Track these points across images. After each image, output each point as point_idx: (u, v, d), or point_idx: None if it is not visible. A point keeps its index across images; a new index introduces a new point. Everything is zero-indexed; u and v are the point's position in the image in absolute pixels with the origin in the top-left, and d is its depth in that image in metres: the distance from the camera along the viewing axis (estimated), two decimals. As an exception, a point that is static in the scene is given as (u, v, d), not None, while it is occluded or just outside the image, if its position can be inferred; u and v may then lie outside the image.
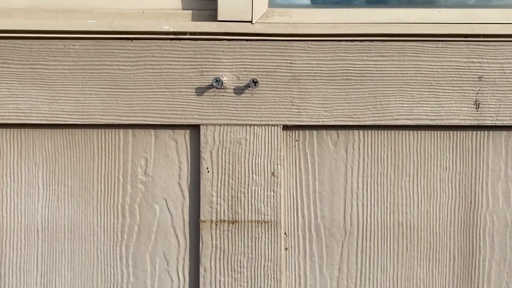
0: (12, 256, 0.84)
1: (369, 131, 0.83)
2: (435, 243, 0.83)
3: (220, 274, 0.82)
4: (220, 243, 0.82)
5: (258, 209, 0.82)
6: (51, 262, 0.84)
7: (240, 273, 0.82)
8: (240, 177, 0.82)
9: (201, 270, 0.82)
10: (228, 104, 0.81)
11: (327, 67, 0.80)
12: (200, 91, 0.81)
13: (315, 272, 0.83)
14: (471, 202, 0.83)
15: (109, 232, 0.84)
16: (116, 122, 0.81)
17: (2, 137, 0.83)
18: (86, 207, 0.83)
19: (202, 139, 0.82)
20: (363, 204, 0.83)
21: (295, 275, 0.83)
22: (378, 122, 0.81)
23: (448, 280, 0.83)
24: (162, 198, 0.83)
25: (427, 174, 0.83)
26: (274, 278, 0.82)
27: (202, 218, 0.82)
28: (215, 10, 0.80)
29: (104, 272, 0.84)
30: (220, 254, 0.82)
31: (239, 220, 0.82)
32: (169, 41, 0.80)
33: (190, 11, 0.83)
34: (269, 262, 0.82)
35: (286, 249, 0.83)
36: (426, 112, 0.81)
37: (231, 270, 0.82)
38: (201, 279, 0.81)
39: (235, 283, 0.82)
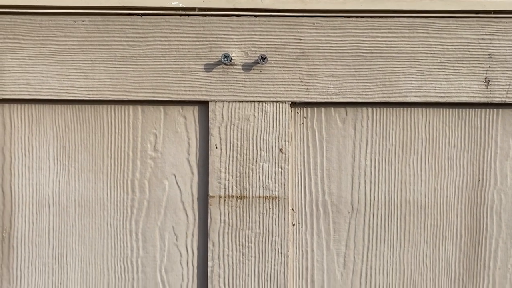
0: (24, 230, 0.85)
1: (378, 109, 0.83)
2: (442, 220, 0.84)
3: (228, 248, 0.83)
4: (229, 218, 0.83)
5: (266, 185, 0.82)
6: (62, 236, 0.85)
7: (248, 247, 0.83)
8: (248, 153, 0.82)
9: (210, 245, 0.83)
10: (236, 80, 0.81)
11: (336, 43, 0.80)
12: (209, 67, 0.81)
13: (322, 248, 0.84)
14: (479, 180, 0.83)
15: (119, 207, 0.85)
16: (125, 98, 0.82)
17: (13, 113, 0.84)
18: (96, 182, 0.85)
19: (211, 115, 0.82)
20: (370, 182, 0.84)
21: (302, 250, 0.84)
22: (387, 99, 0.81)
23: (455, 257, 0.84)
24: (171, 173, 0.84)
25: (435, 152, 0.83)
26: (281, 253, 0.83)
27: (210, 193, 0.83)
28: (224, -15, 0.80)
29: (114, 246, 0.85)
30: (228, 229, 0.83)
31: (247, 195, 0.83)
32: (178, 17, 0.80)
33: (199, -13, 0.83)
34: (277, 237, 0.82)
35: (293, 225, 0.84)
36: (435, 89, 0.80)
37: (239, 245, 0.83)
38: (209, 254, 0.83)
39: (243, 257, 0.83)
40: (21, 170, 0.85)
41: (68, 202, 0.85)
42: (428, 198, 0.83)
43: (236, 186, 0.83)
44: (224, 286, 0.83)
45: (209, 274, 0.83)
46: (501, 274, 0.84)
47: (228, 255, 0.83)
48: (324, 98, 0.81)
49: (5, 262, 0.85)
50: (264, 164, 0.82)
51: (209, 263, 0.83)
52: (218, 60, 0.80)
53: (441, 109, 0.83)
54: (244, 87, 0.81)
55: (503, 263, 0.84)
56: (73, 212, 0.85)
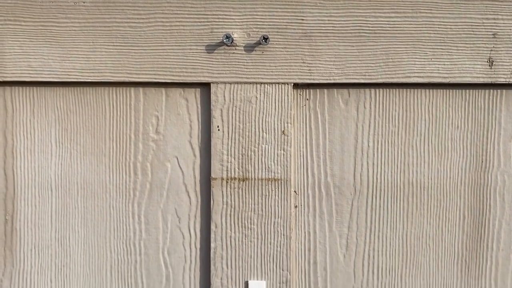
0: (27, 212, 0.85)
1: (381, 90, 0.82)
2: (445, 202, 0.84)
3: (230, 230, 0.83)
4: (231, 200, 0.82)
5: (268, 167, 0.82)
6: (64, 218, 0.85)
7: (251, 229, 0.83)
8: (250, 135, 0.82)
9: (212, 227, 0.83)
10: (238, 61, 0.80)
11: (339, 23, 0.79)
12: (211, 48, 0.80)
13: (325, 229, 0.84)
14: (482, 161, 0.83)
15: (121, 190, 0.85)
16: (127, 80, 0.81)
17: (15, 96, 0.84)
18: (98, 164, 0.85)
19: (213, 97, 0.82)
20: (373, 163, 0.83)
21: (305, 232, 0.84)
22: (390, 80, 0.80)
23: (457, 238, 0.84)
24: (173, 156, 0.84)
25: (438, 133, 0.83)
26: (284, 235, 0.83)
27: (213, 175, 0.82)
28: (226, -35, 0.79)
29: (116, 228, 0.85)
30: (230, 211, 0.83)
31: (250, 177, 0.82)
32: (179, -3, 0.80)
33: (200, -32, 0.82)
34: (279, 219, 0.82)
35: (295, 207, 0.84)
36: (438, 70, 0.80)
37: (242, 227, 0.83)
38: (212, 235, 0.83)
39: (245, 239, 0.83)
40: (23, 153, 0.85)
41: (70, 184, 0.85)
42: (431, 179, 0.83)
43: (239, 168, 0.83)
44: (227, 267, 0.83)
45: (211, 255, 0.83)
46: (504, 255, 0.84)
47: (230, 237, 0.83)
48: (327, 79, 0.80)
49: (8, 245, 0.86)
50: (267, 146, 0.82)
51: (212, 245, 0.83)
52: (219, 41, 0.80)
53: (445, 90, 0.82)
54: (246, 68, 0.81)
55: (506, 245, 0.84)
56: (76, 195, 0.85)
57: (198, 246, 0.85)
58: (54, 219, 0.85)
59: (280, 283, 0.83)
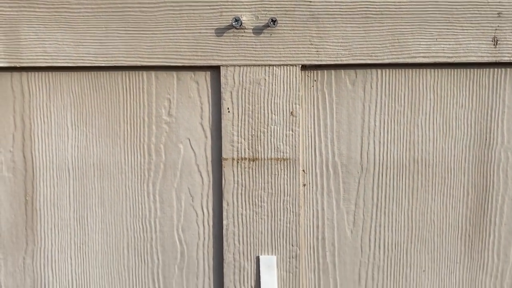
0: (46, 193, 0.89)
1: (387, 70, 0.84)
2: (449, 179, 0.86)
3: (242, 208, 0.86)
4: (242, 179, 0.85)
5: (277, 147, 0.85)
6: (82, 199, 0.89)
7: (261, 207, 0.86)
8: (259, 116, 0.85)
9: (224, 205, 0.86)
10: (247, 44, 0.82)
11: (346, 5, 0.81)
12: (220, 31, 0.82)
13: (332, 206, 0.87)
14: (486, 139, 0.85)
15: (136, 170, 0.88)
16: (139, 64, 0.84)
17: (31, 81, 0.87)
18: (113, 146, 0.88)
19: (223, 80, 0.84)
20: (380, 142, 0.86)
21: (313, 209, 0.87)
22: (396, 60, 0.82)
23: (461, 213, 0.87)
24: (186, 137, 0.87)
25: (443, 112, 0.85)
26: (293, 212, 0.86)
27: (224, 156, 0.85)
28: (234, -51, 0.81)
29: (132, 207, 0.89)
30: (241, 190, 0.86)
31: (259, 158, 0.85)
32: (189, -18, 0.81)
33: (209, -48, 0.84)
34: (288, 197, 0.85)
35: (304, 185, 0.87)
36: (443, 50, 0.81)
37: (252, 204, 0.86)
38: (224, 213, 0.86)
39: (256, 216, 0.86)
40: (40, 136, 0.88)
41: (87, 166, 0.88)
42: (436, 157, 0.86)
43: (249, 149, 0.85)
44: (239, 243, 0.86)
45: (224, 232, 0.86)
46: (506, 229, 0.87)
47: (242, 214, 0.86)
48: (334, 60, 0.82)
49: (29, 224, 0.90)
50: (275, 127, 0.85)
51: (224, 222, 0.86)
52: (229, 24, 0.82)
53: (450, 70, 0.84)
54: (255, 51, 0.83)
55: (508, 219, 0.86)
56: (92, 176, 0.88)
57: (211, 223, 0.88)
58: (72, 200, 0.89)
59: (290, 258, 0.86)
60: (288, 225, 0.86)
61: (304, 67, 0.84)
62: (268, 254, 0.86)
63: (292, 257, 0.86)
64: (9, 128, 0.88)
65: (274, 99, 0.84)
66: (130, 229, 0.89)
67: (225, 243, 0.87)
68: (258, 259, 0.87)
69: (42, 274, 0.91)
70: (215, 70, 0.85)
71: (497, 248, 0.87)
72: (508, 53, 0.81)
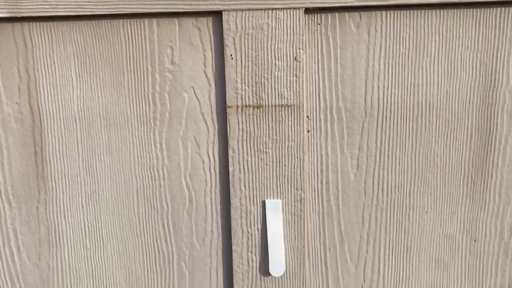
0: (55, 144, 0.90)
1: (392, 12, 0.83)
2: (453, 121, 0.86)
3: (247, 154, 0.87)
4: (246, 127, 0.86)
5: (281, 93, 0.85)
6: (90, 148, 0.91)
7: (266, 153, 0.87)
8: (263, 63, 0.84)
9: (230, 152, 0.87)
10: (249, -12, 0.81)
11: None
12: (221, -25, 0.81)
13: (336, 151, 0.88)
14: (491, 80, 0.84)
15: (142, 119, 0.89)
16: (140, 11, 0.83)
17: (33, 31, 0.86)
18: (118, 96, 0.88)
19: (225, 25, 0.83)
20: (384, 86, 0.85)
21: (317, 154, 0.88)
22: (401, 1, 0.80)
23: (464, 155, 0.88)
24: (190, 86, 0.87)
25: (448, 54, 0.84)
26: (297, 157, 0.87)
27: (228, 104, 0.86)
28: None
29: (140, 156, 0.90)
30: (246, 137, 0.87)
31: (263, 104, 0.86)
32: None
33: None
34: (293, 142, 0.87)
35: (308, 131, 0.88)
36: (450, -11, 0.80)
37: (257, 151, 0.87)
38: (230, 160, 0.88)
39: (261, 162, 0.87)
40: (45, 87, 0.88)
41: (93, 116, 0.89)
42: (440, 100, 0.86)
43: (253, 96, 0.85)
44: (245, 189, 0.89)
45: (230, 178, 0.88)
46: (509, 170, 0.88)
47: (247, 161, 0.88)
48: (338, 2, 0.81)
49: (40, 174, 0.92)
50: (279, 73, 0.84)
51: (230, 168, 0.88)
52: (230, -33, 0.80)
53: (456, 10, 0.82)
54: (257, -5, 0.81)
55: (511, 160, 0.87)
56: (99, 126, 0.90)
57: (217, 170, 0.90)
58: (80, 149, 0.91)
59: (295, 202, 0.88)
60: (292, 170, 0.88)
61: (307, 10, 0.83)
62: (273, 198, 0.89)
63: (297, 200, 0.88)
64: (14, 80, 0.88)
65: (278, 44, 0.83)
66: (139, 177, 0.91)
67: (231, 189, 0.89)
68: (264, 203, 0.89)
69: (55, 222, 0.94)
70: (217, 15, 0.84)
71: (498, 189, 0.89)
72: (516, -9, 0.79)
